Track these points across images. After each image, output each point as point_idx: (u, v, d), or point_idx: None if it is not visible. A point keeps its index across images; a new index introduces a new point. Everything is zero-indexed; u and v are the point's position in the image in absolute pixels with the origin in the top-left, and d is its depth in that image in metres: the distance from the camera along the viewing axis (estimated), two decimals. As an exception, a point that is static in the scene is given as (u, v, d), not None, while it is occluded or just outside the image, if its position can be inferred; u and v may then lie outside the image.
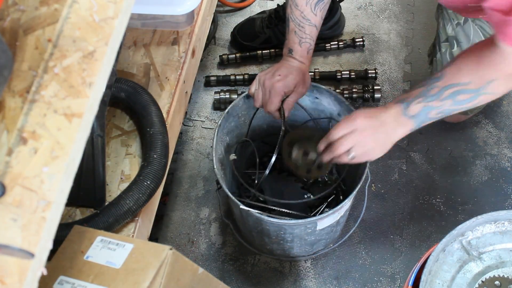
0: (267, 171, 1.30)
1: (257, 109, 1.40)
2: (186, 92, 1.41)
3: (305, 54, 1.31)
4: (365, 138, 1.16)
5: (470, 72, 1.09)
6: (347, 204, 1.32)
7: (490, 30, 1.45)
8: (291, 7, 1.29)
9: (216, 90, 1.80)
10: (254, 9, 2.02)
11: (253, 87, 1.33)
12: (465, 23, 1.48)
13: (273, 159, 1.28)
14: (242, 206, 1.27)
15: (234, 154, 1.44)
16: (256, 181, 1.48)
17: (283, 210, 1.34)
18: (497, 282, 1.01)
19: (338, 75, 1.82)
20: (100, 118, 1.17)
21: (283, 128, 1.29)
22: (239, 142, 1.48)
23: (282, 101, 1.30)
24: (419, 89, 1.14)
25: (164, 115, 1.26)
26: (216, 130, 1.37)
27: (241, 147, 1.50)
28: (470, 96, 1.11)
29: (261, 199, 1.48)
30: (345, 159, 1.18)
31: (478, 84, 1.09)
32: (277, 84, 1.27)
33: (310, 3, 1.27)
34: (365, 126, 1.16)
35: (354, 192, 1.30)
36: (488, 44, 1.06)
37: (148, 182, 1.12)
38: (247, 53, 1.88)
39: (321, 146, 1.22)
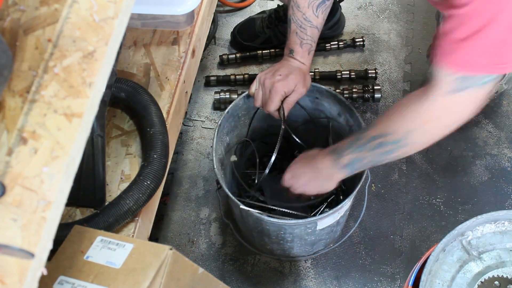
0: (266, 170, 1.30)
1: (258, 109, 1.40)
2: (186, 92, 1.41)
3: (306, 55, 1.31)
4: (305, 183, 1.29)
5: (396, 121, 1.07)
6: (347, 204, 1.32)
7: None
8: (293, 8, 1.29)
9: (216, 90, 1.80)
10: (254, 9, 2.02)
11: (253, 87, 1.33)
12: None
13: (273, 158, 1.28)
14: (242, 206, 1.27)
15: (234, 156, 1.44)
16: (256, 181, 1.48)
17: (284, 210, 1.34)
18: (496, 282, 1.01)
19: (338, 75, 1.82)
20: (100, 118, 1.17)
21: (283, 127, 1.29)
22: (239, 143, 1.48)
23: (282, 101, 1.30)
24: (350, 138, 1.18)
25: (164, 115, 1.26)
26: (216, 130, 1.37)
27: (241, 147, 1.50)
28: (391, 148, 1.09)
29: (261, 199, 1.48)
30: (297, 193, 1.32)
31: (398, 135, 1.07)
32: (277, 84, 1.27)
33: (312, 5, 1.27)
34: (302, 172, 1.29)
35: (354, 192, 1.30)
36: (418, 92, 1.04)
37: (148, 182, 1.12)
38: (247, 53, 1.88)
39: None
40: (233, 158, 1.43)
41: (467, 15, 0.90)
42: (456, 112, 1.03)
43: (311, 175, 1.27)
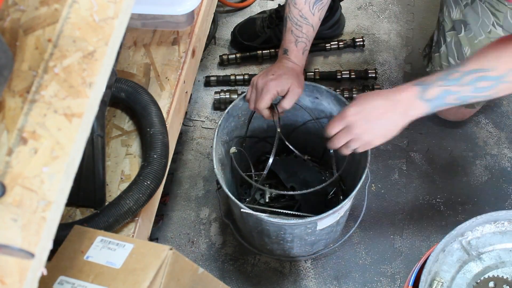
0: (265, 172, 1.31)
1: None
2: (186, 92, 1.41)
3: (300, 55, 1.30)
4: (363, 131, 1.15)
5: (494, 58, 1.07)
6: (347, 204, 1.32)
7: (498, 7, 1.41)
8: (289, 6, 1.29)
9: (216, 90, 1.81)
10: (254, 9, 2.02)
11: (249, 92, 1.33)
12: (473, 2, 1.46)
13: (270, 161, 1.29)
14: (243, 210, 1.27)
15: (234, 148, 1.43)
16: (254, 182, 1.48)
17: (285, 211, 1.35)
18: (491, 283, 1.01)
19: (338, 75, 1.82)
20: (100, 118, 1.17)
21: (278, 130, 1.29)
22: (238, 137, 1.48)
23: (276, 104, 1.29)
24: (438, 74, 1.11)
25: (164, 115, 1.26)
26: (216, 130, 1.37)
27: (241, 146, 1.50)
28: (491, 84, 1.08)
29: (261, 202, 1.49)
30: (347, 152, 1.19)
31: (500, 71, 1.06)
32: (270, 83, 1.27)
33: (309, 2, 1.27)
34: (373, 106, 1.14)
35: (354, 192, 1.30)
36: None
37: (148, 182, 1.12)
38: (247, 53, 1.88)
39: (328, 131, 1.20)
40: (233, 149, 1.42)
41: None
42: None
43: (385, 108, 1.13)
